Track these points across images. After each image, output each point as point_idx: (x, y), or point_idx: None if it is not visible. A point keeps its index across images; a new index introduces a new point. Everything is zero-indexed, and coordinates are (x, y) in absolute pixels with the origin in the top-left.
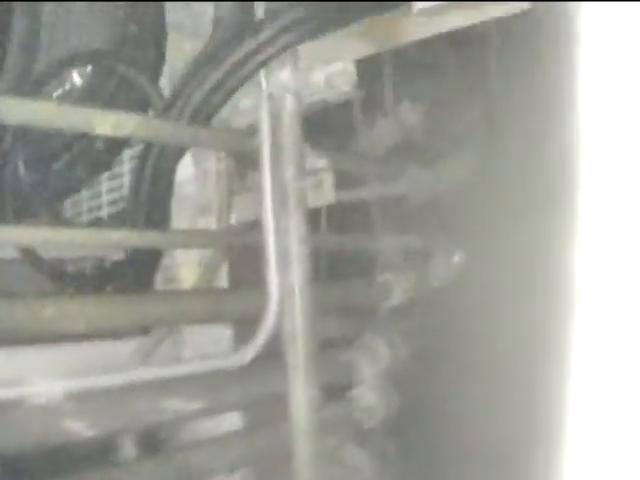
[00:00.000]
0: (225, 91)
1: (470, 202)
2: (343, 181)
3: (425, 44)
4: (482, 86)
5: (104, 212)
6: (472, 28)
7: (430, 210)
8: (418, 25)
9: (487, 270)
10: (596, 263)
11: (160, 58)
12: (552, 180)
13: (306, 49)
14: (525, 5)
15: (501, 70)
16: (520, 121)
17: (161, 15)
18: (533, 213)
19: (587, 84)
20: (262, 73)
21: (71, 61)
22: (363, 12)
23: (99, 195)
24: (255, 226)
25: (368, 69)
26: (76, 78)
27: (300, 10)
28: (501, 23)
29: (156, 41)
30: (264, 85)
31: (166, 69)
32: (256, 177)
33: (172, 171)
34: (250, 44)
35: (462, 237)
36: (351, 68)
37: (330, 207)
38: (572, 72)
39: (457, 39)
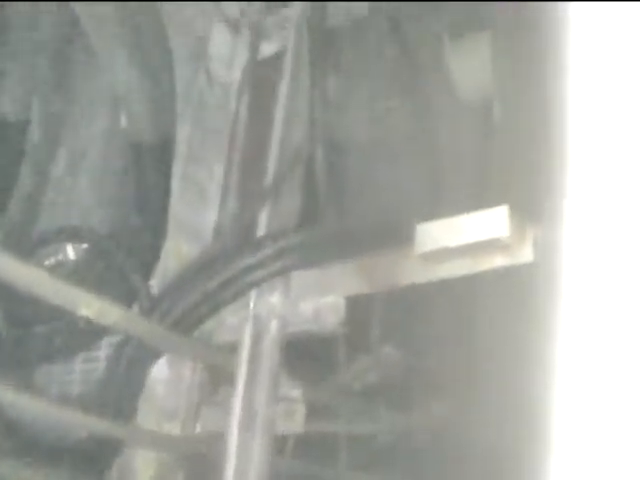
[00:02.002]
0: (214, 304)
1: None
2: (315, 412)
3: (417, 287)
4: (468, 335)
5: (75, 388)
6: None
7: (399, 452)
8: (415, 270)
9: None
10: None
11: (155, 256)
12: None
13: (300, 276)
14: (525, 259)
15: (489, 320)
16: (502, 372)
17: (164, 210)
18: None
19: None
20: (253, 293)
21: (69, 235)
22: (363, 249)
23: (72, 372)
24: (219, 439)
25: (358, 306)
26: (70, 252)
27: (301, 236)
28: (496, 274)
29: (155, 237)
30: (252, 305)
31: (159, 267)
32: (228, 393)
33: (146, 369)
34: (246, 261)
35: None
36: (341, 303)
37: (300, 435)
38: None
39: (450, 285)
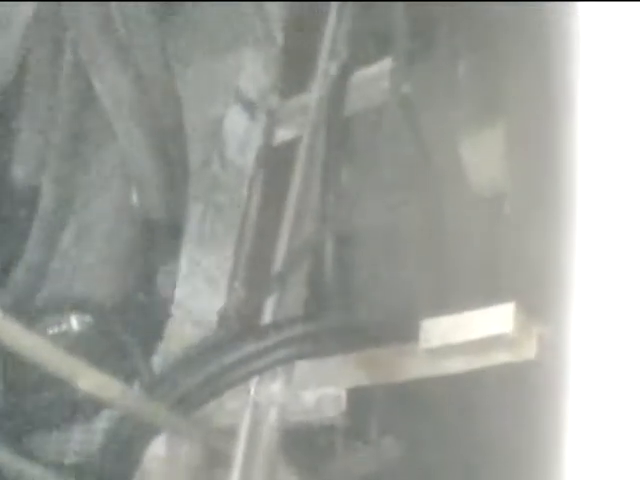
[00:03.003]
0: (215, 388)
1: None
2: None
3: (420, 382)
4: (469, 429)
5: (71, 458)
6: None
7: None
8: (419, 365)
9: None
10: None
11: (158, 335)
12: None
13: (302, 366)
14: (528, 355)
15: (490, 414)
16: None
17: (170, 290)
18: None
19: None
20: (254, 380)
21: (74, 306)
22: (367, 342)
23: (68, 441)
24: None
25: (359, 398)
26: (74, 323)
27: (305, 327)
28: (503, 369)
29: (159, 316)
30: (252, 392)
31: (162, 347)
32: (224, 476)
33: (143, 446)
34: (249, 349)
35: None
36: (343, 395)
37: None
38: None
39: (452, 378)
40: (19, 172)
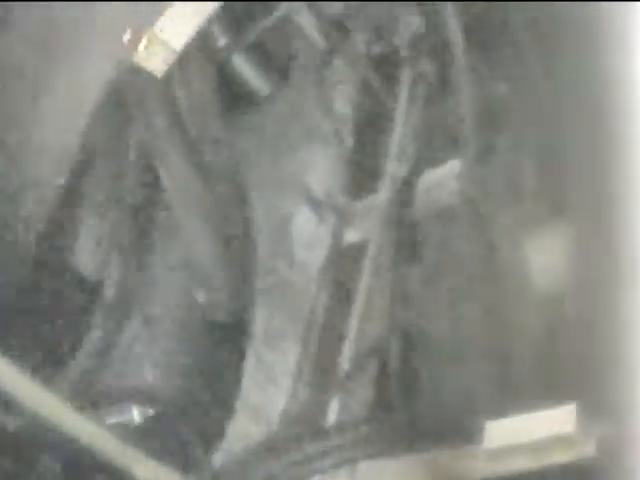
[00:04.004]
0: None
1: None
2: None
3: None
4: None
5: None
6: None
7: None
8: (480, 466)
9: None
10: None
11: (220, 432)
12: None
13: (364, 466)
14: (589, 454)
15: None
16: None
17: (234, 388)
18: None
19: None
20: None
21: (136, 397)
22: (431, 443)
23: None
24: None
25: None
26: (135, 414)
27: (369, 428)
28: (565, 469)
29: (222, 413)
30: None
31: (223, 444)
32: None
33: None
34: (312, 449)
35: None
36: None
37: None
38: None
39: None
40: (83, 260)
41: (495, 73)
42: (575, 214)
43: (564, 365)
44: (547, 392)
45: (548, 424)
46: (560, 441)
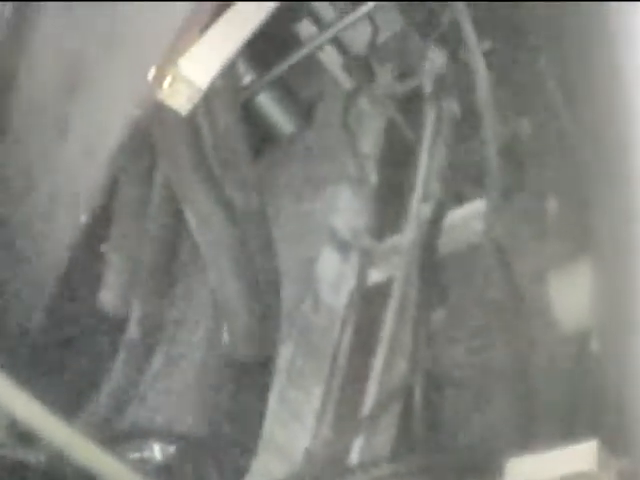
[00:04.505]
0: None
1: None
2: None
3: None
4: None
5: None
6: None
7: None
8: None
9: None
10: None
11: (244, 470)
12: None
13: None
14: None
15: None
16: None
17: (257, 427)
18: None
19: None
20: None
21: (159, 435)
22: None
23: None
24: None
25: None
26: (157, 451)
27: (392, 468)
28: None
29: (245, 452)
30: None
31: None
32: None
33: None
34: None
35: None
36: None
37: None
38: None
39: None
40: (107, 297)
41: (519, 110)
42: (599, 252)
43: (586, 402)
44: (569, 429)
45: (569, 461)
46: (581, 478)
